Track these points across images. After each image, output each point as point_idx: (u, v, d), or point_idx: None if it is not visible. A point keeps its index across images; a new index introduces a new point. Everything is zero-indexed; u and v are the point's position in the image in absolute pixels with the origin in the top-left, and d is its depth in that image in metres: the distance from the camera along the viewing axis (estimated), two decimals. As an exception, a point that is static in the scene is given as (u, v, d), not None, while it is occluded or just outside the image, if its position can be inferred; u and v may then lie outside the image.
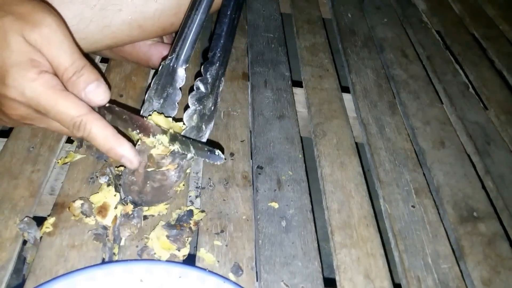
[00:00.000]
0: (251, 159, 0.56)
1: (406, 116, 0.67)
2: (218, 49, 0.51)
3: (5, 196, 0.46)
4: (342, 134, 0.61)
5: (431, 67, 0.78)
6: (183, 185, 0.49)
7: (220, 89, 0.51)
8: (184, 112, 0.48)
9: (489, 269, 0.49)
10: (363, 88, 0.71)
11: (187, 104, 0.48)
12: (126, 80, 0.62)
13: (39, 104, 0.40)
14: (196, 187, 0.52)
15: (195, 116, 0.48)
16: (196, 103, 0.48)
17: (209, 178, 0.52)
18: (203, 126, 0.48)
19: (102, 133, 0.42)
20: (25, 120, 0.44)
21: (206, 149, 0.43)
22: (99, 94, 0.42)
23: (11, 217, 0.44)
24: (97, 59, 0.65)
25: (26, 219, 0.44)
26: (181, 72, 0.50)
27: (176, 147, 0.44)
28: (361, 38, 0.83)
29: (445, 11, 0.96)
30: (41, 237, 0.44)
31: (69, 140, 0.53)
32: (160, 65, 0.51)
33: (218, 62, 0.50)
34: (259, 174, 0.54)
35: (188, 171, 0.48)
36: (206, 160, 0.44)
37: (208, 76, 0.50)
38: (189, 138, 0.45)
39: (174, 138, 0.44)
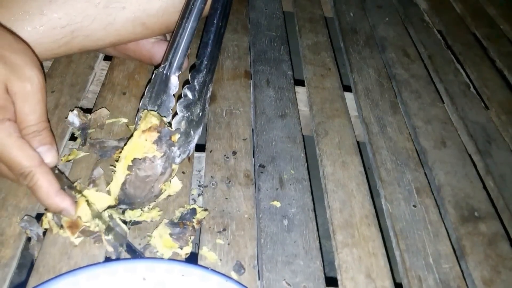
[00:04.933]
0: (253, 157, 0.56)
1: (408, 116, 0.67)
2: (205, 57, 0.52)
3: (8, 193, 0.46)
4: (343, 133, 0.61)
5: (433, 66, 0.79)
6: (169, 186, 0.49)
7: (208, 96, 0.52)
8: (173, 118, 0.49)
9: (490, 269, 0.49)
10: (364, 87, 0.71)
11: (175, 111, 0.50)
12: (129, 78, 0.62)
13: None
14: (199, 185, 0.53)
15: (183, 123, 0.49)
16: (184, 110, 0.49)
17: (211, 177, 0.52)
18: (191, 132, 0.49)
19: (46, 188, 0.42)
20: None
21: (136, 253, 0.44)
22: (49, 157, 0.43)
23: (14, 215, 0.44)
24: (100, 57, 0.65)
25: (26, 217, 0.44)
26: (174, 80, 0.51)
27: (110, 237, 0.44)
28: (363, 37, 0.83)
29: (447, 11, 0.96)
30: (44, 233, 0.44)
31: (73, 138, 0.54)
32: (153, 73, 0.51)
33: (205, 70, 0.52)
34: (261, 172, 0.54)
35: (174, 167, 0.48)
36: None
37: (196, 83, 0.51)
38: (125, 238, 0.44)
39: (110, 229, 0.44)
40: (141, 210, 0.47)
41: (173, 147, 0.47)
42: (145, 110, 0.49)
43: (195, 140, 0.50)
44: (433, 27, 0.90)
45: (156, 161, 0.45)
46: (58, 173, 0.46)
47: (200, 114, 0.51)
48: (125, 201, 0.46)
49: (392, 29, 0.86)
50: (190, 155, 0.50)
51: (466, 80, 0.77)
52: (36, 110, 0.43)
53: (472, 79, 0.78)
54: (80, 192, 0.45)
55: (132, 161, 0.45)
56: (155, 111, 0.50)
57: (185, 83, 0.51)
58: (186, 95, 0.50)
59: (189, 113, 0.49)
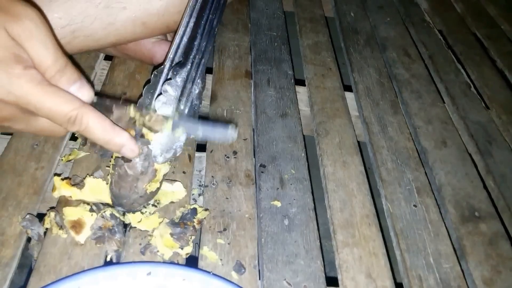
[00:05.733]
0: (254, 157, 0.56)
1: (408, 115, 0.67)
2: (192, 51, 0.49)
3: (9, 193, 0.46)
4: (344, 133, 0.61)
5: (433, 66, 0.79)
6: (157, 203, 0.48)
7: (197, 92, 0.49)
8: None
9: (490, 268, 0.49)
10: (365, 87, 0.71)
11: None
12: (129, 78, 0.62)
13: (29, 102, 0.37)
14: (199, 185, 0.53)
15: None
16: (163, 106, 0.46)
17: (212, 176, 0.52)
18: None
19: (99, 125, 0.40)
20: (4, 122, 0.41)
21: (216, 128, 0.41)
22: (83, 94, 0.40)
23: (15, 214, 0.44)
24: (101, 56, 0.65)
25: (28, 216, 0.44)
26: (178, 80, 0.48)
27: (181, 130, 0.42)
28: (364, 37, 0.83)
29: (447, 11, 0.96)
30: (45, 233, 0.44)
31: (73, 138, 0.54)
32: (152, 73, 0.49)
33: (190, 64, 0.48)
34: (262, 172, 0.54)
35: (164, 170, 0.47)
36: (215, 138, 0.43)
37: (178, 78, 0.47)
38: (195, 120, 0.42)
39: (176, 123, 0.42)
40: (141, 213, 0.46)
41: (150, 146, 0.44)
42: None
43: (181, 139, 0.47)
44: (434, 27, 0.90)
45: (134, 159, 0.44)
46: (107, 103, 0.42)
47: (186, 111, 0.47)
48: (115, 202, 0.45)
49: (393, 29, 0.86)
50: (177, 155, 0.47)
51: (466, 80, 0.77)
52: (48, 45, 0.38)
53: (473, 79, 0.78)
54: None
55: (114, 159, 0.45)
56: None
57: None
58: (166, 91, 0.46)
59: (169, 110, 0.46)
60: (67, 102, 0.38)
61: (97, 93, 0.42)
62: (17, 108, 0.39)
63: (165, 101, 0.46)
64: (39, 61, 0.38)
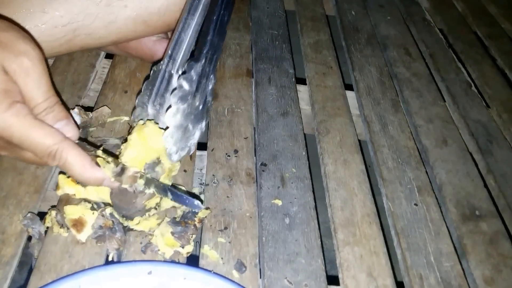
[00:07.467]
0: (255, 156, 0.56)
1: (409, 114, 0.67)
2: (205, 46, 0.49)
3: (10, 192, 0.46)
4: (345, 131, 0.61)
5: (434, 65, 0.79)
6: (157, 205, 0.47)
7: (210, 88, 0.49)
8: (166, 111, 0.45)
9: (491, 267, 0.49)
10: (366, 86, 0.71)
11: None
12: (131, 76, 0.62)
13: (12, 135, 0.38)
14: (200, 184, 0.53)
15: (178, 116, 0.45)
16: (178, 102, 0.45)
17: (213, 175, 0.52)
18: (190, 126, 0.46)
19: (79, 161, 0.40)
20: None
21: (184, 196, 0.43)
22: (68, 131, 0.41)
23: (15, 213, 0.44)
24: (102, 55, 0.65)
25: (29, 214, 0.44)
26: (177, 78, 0.48)
27: (151, 190, 0.43)
28: (365, 35, 0.82)
29: (448, 10, 0.96)
30: (45, 231, 0.44)
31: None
32: (151, 70, 0.48)
33: (204, 59, 0.48)
34: (263, 171, 0.54)
35: (175, 172, 0.47)
36: (183, 206, 0.45)
37: (193, 73, 0.46)
38: (166, 185, 0.43)
39: (149, 182, 0.43)
40: (140, 216, 0.46)
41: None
42: (141, 121, 0.47)
43: (195, 136, 0.47)
44: (434, 26, 0.90)
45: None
46: (88, 147, 0.43)
47: (201, 107, 0.47)
48: (116, 209, 0.45)
49: (394, 28, 0.86)
50: (191, 153, 0.48)
51: (467, 79, 0.77)
52: (41, 84, 0.39)
53: (474, 78, 0.78)
54: (114, 156, 0.44)
55: None
56: (156, 113, 0.48)
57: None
58: (181, 86, 0.45)
59: (185, 105, 0.45)
60: (49, 135, 0.39)
61: (80, 138, 0.43)
62: (1, 140, 0.40)
63: (181, 95, 0.46)
64: (30, 97, 0.39)
